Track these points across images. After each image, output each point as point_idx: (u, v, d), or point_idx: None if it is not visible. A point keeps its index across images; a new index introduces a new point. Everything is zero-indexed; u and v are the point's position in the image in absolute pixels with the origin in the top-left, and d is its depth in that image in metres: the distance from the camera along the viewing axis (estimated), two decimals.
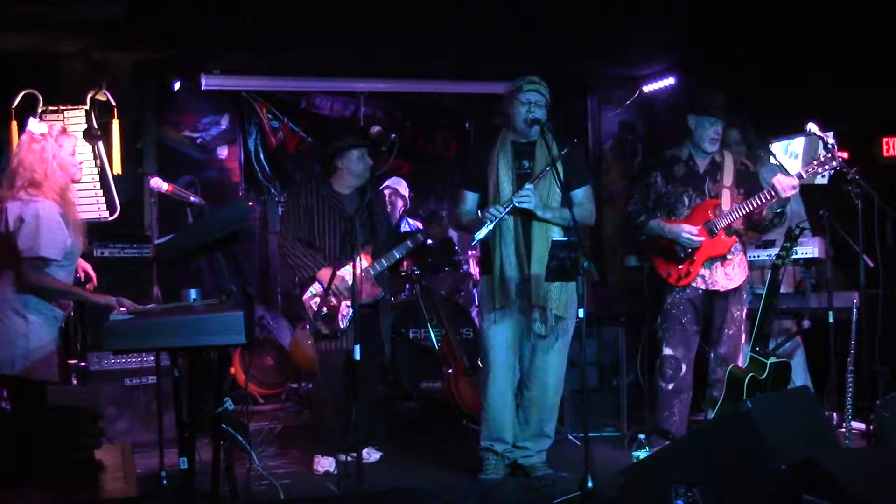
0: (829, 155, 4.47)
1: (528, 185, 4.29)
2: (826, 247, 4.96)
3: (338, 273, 4.66)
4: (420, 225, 6.79)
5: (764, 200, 4.56)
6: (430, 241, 5.93)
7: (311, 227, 4.80)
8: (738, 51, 6.20)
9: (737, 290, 4.75)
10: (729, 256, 4.71)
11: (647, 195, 4.86)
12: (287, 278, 6.61)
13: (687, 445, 3.89)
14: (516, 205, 4.27)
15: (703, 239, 4.67)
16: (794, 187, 4.47)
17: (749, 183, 4.78)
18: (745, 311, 4.81)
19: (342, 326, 4.68)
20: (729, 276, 4.73)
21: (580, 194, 4.44)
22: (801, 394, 4.12)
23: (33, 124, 4.04)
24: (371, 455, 4.88)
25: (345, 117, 7.52)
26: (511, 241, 4.37)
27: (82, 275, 4.22)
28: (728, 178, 4.75)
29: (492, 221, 4.25)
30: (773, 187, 4.48)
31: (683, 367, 4.78)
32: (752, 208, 4.60)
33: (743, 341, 4.82)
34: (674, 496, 3.48)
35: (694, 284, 4.73)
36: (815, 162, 4.54)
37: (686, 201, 4.77)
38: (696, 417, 5.11)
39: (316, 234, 4.80)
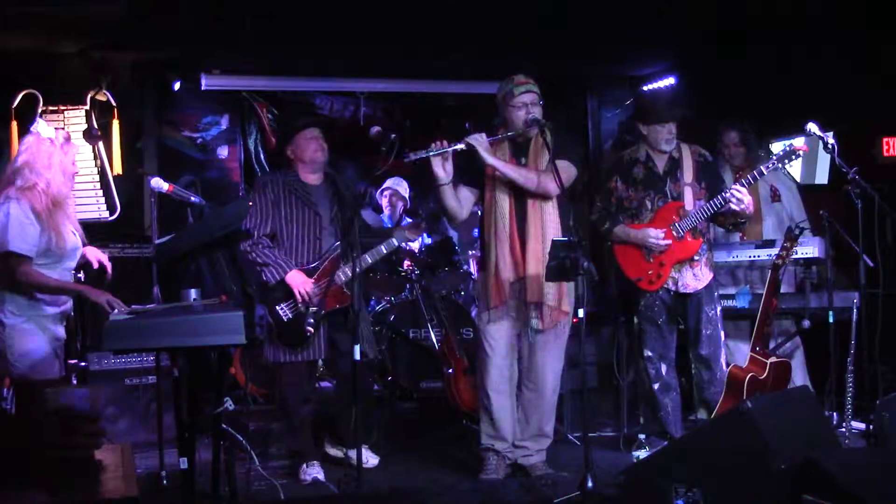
0: (788, 148, 4.51)
1: (481, 134, 4.27)
2: (826, 247, 4.97)
3: (307, 279, 4.51)
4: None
5: (720, 203, 4.59)
6: (408, 244, 5.77)
7: (278, 221, 4.58)
8: (737, 51, 6.20)
9: (707, 288, 4.76)
10: (696, 258, 4.73)
11: (608, 201, 4.87)
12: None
13: (687, 445, 3.88)
14: (467, 142, 4.23)
15: (669, 242, 4.68)
16: (741, 196, 4.50)
17: (709, 175, 4.80)
18: (719, 308, 4.82)
19: (308, 333, 4.47)
20: (697, 276, 4.74)
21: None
22: (801, 394, 4.12)
23: (42, 126, 4.06)
24: (368, 460, 4.80)
25: (344, 117, 7.51)
26: (506, 240, 4.37)
27: (96, 264, 4.21)
28: (688, 174, 4.76)
29: (431, 151, 4.23)
30: (725, 198, 4.53)
31: (664, 367, 4.82)
32: (712, 210, 4.63)
33: (723, 338, 4.83)
34: (674, 496, 3.48)
35: (665, 286, 4.75)
36: (773, 157, 4.57)
37: (649, 205, 4.78)
38: (690, 417, 5.11)
39: (283, 228, 4.58)
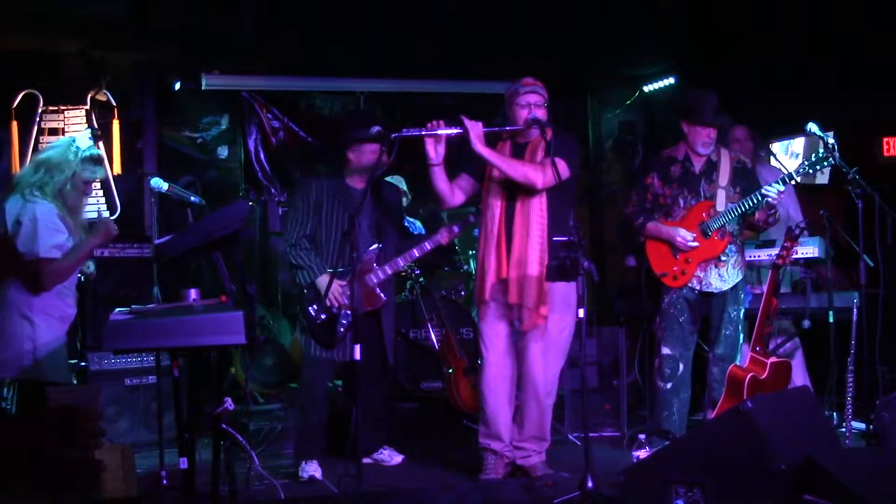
0: (821, 152, 4.52)
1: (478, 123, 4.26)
2: (826, 247, 4.97)
3: (337, 282, 4.55)
4: (419, 224, 6.79)
5: (754, 203, 4.59)
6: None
7: (318, 223, 4.65)
8: (737, 51, 6.20)
9: (733, 289, 4.76)
10: (723, 258, 4.73)
11: (644, 197, 4.88)
12: (287, 278, 6.50)
13: (687, 445, 3.88)
14: (463, 124, 4.22)
15: (697, 245, 4.69)
16: (780, 192, 4.53)
17: (745, 180, 4.80)
18: (742, 310, 4.82)
19: (339, 334, 4.58)
20: (723, 277, 4.74)
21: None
22: (801, 394, 4.12)
23: (81, 135, 4.10)
24: (393, 458, 4.87)
25: (344, 117, 7.51)
26: (493, 241, 4.37)
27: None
28: (724, 177, 4.77)
29: (425, 131, 4.23)
30: (763, 194, 4.54)
31: (681, 367, 4.79)
32: (744, 210, 4.64)
33: (742, 341, 4.83)
34: (674, 496, 3.48)
35: (690, 285, 4.75)
36: (805, 162, 4.57)
37: (682, 203, 4.79)
38: (696, 417, 5.11)
39: (322, 231, 4.65)
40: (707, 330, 4.88)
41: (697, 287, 4.75)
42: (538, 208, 4.34)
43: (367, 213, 4.69)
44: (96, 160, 4.01)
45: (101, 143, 5.88)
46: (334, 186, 4.69)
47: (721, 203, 4.73)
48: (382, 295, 4.67)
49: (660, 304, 4.84)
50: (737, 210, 4.65)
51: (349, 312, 4.55)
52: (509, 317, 4.40)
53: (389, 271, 4.65)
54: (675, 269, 4.76)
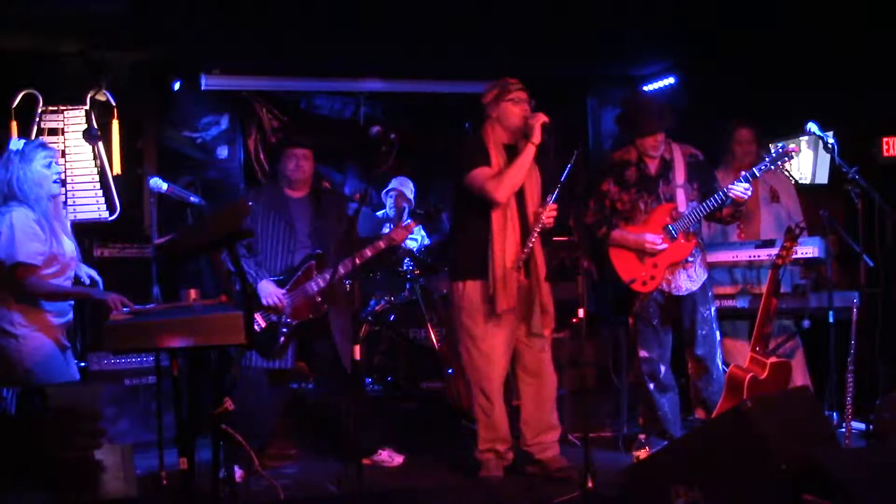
0: (781, 148, 4.53)
1: (550, 203, 4.26)
2: (827, 247, 4.96)
3: (277, 289, 4.58)
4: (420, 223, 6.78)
5: (718, 202, 4.59)
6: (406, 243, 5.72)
7: (255, 231, 4.65)
8: (738, 51, 6.20)
9: (702, 289, 4.77)
10: (689, 259, 4.73)
11: (602, 204, 4.86)
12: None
13: (687, 445, 3.89)
14: (545, 225, 4.28)
15: (666, 246, 4.68)
16: (745, 189, 4.52)
17: (702, 175, 4.80)
18: (713, 308, 4.81)
19: (280, 343, 4.59)
20: (692, 277, 4.75)
21: None
22: (801, 394, 4.12)
23: (14, 143, 4.08)
24: (393, 458, 4.86)
25: (344, 118, 7.51)
26: (514, 245, 4.35)
27: (87, 280, 4.21)
28: (679, 175, 4.77)
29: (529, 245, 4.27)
30: (726, 193, 4.54)
31: (662, 368, 4.82)
32: (709, 210, 4.64)
33: (719, 338, 4.82)
34: (674, 496, 3.48)
35: (659, 288, 4.75)
36: (766, 159, 4.57)
37: (642, 206, 4.78)
38: (688, 419, 5.11)
39: (257, 240, 4.66)
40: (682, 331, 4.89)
41: (667, 290, 4.76)
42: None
43: (306, 221, 4.71)
44: (43, 145, 3.98)
45: (100, 143, 5.91)
46: (272, 196, 4.73)
47: (682, 202, 4.72)
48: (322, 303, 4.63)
49: (631, 308, 4.84)
50: (701, 211, 4.64)
51: (290, 320, 4.56)
52: (529, 318, 4.40)
53: (329, 279, 4.54)
54: (643, 274, 4.76)
